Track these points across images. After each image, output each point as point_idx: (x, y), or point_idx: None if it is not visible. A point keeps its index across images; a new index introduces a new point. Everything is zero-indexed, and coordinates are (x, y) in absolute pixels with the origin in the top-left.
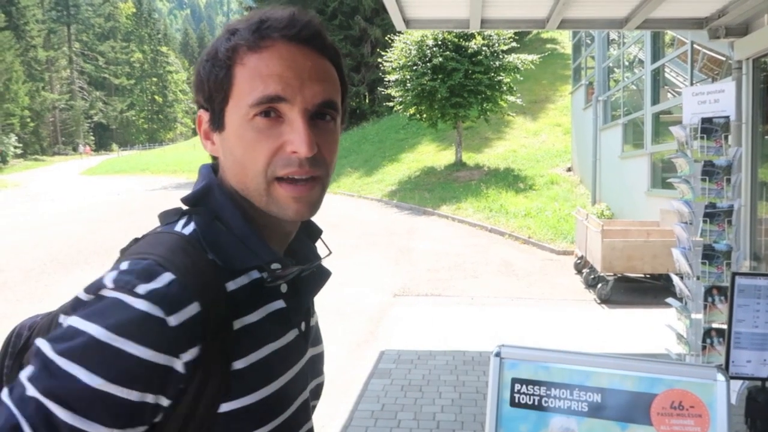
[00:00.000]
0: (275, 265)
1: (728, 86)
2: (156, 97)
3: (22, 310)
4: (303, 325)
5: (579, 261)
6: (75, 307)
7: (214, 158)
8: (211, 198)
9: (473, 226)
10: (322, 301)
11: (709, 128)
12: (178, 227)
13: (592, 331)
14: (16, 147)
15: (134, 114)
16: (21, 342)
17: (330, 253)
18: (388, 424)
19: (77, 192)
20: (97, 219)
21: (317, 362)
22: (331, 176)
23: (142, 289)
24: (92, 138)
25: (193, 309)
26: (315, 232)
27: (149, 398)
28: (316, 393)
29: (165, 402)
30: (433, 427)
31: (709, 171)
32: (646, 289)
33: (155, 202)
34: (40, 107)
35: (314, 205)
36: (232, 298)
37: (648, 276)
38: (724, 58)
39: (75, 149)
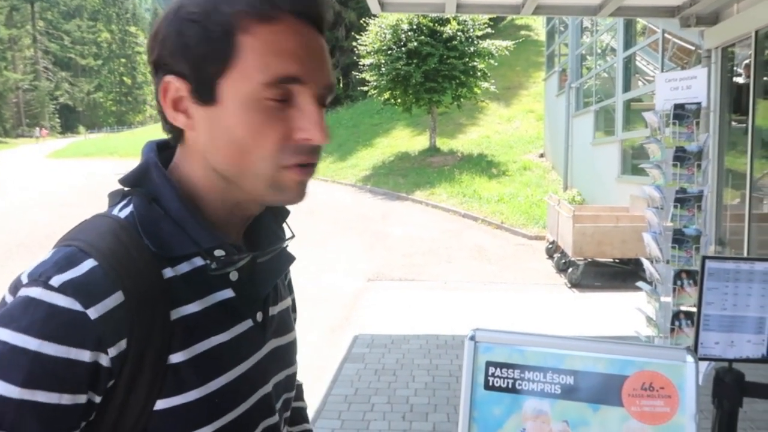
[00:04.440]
0: (218, 252)
1: (700, 73)
2: (124, 78)
3: None
4: (260, 316)
5: (550, 246)
6: None
7: (170, 133)
8: (149, 178)
9: (447, 211)
10: (295, 287)
11: (681, 114)
12: (116, 210)
13: (563, 315)
14: None
15: (102, 96)
16: None
17: (293, 236)
18: (362, 408)
19: (43, 176)
20: (64, 204)
21: (285, 353)
22: None
23: (57, 280)
24: (58, 120)
25: (116, 299)
26: (282, 214)
27: (81, 399)
28: (287, 386)
29: (97, 399)
30: (407, 411)
31: (681, 157)
32: (616, 273)
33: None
34: (2, 87)
35: (307, 188)
36: (168, 285)
37: (617, 261)
38: (693, 48)
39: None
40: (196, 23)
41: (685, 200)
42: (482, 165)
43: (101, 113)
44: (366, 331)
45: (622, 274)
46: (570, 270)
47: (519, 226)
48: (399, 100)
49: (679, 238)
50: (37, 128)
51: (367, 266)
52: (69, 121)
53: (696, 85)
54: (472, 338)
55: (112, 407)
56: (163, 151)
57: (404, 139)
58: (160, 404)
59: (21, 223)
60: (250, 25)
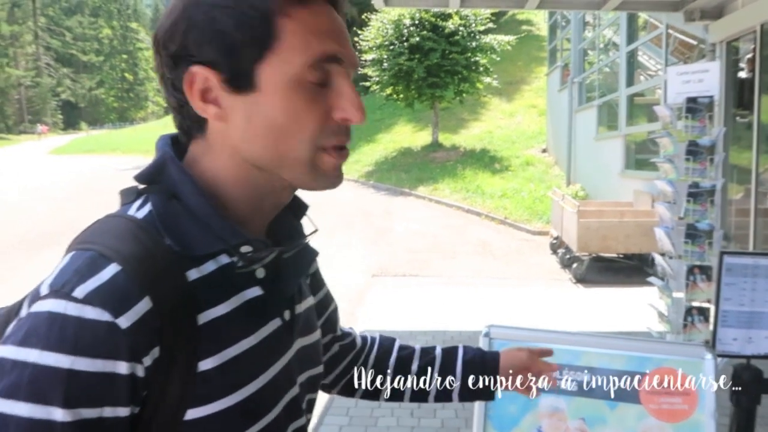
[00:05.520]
0: (245, 248)
1: (713, 66)
2: (126, 74)
3: None
4: (287, 314)
5: (555, 241)
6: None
7: (188, 127)
8: (167, 174)
9: (450, 206)
10: None
11: (694, 108)
12: (132, 210)
13: (570, 310)
14: None
15: (104, 92)
16: None
17: (316, 230)
18: (370, 404)
19: (46, 172)
20: (66, 199)
21: (310, 353)
22: None
23: (81, 291)
24: (60, 116)
25: (144, 305)
26: (300, 208)
27: (124, 411)
28: (312, 386)
29: (136, 411)
30: (415, 407)
31: (694, 150)
32: (620, 268)
33: (126, 183)
34: (4, 84)
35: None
36: (194, 288)
37: (622, 255)
38: (695, 42)
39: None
40: (231, 9)
41: (697, 195)
42: (485, 160)
43: (103, 109)
44: (372, 326)
45: (627, 269)
46: (574, 265)
47: (523, 222)
48: (401, 96)
49: (692, 233)
50: (39, 125)
51: (371, 262)
52: (71, 117)
53: (708, 79)
54: (487, 335)
55: (142, 419)
56: (175, 145)
57: (406, 135)
58: (191, 414)
59: (23, 218)
60: (287, 8)
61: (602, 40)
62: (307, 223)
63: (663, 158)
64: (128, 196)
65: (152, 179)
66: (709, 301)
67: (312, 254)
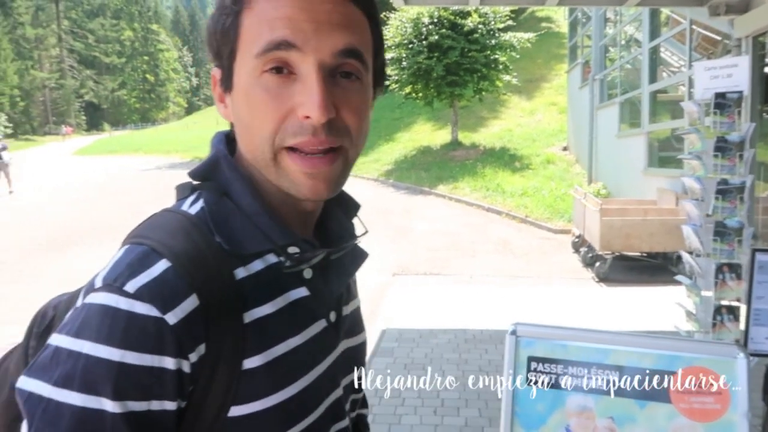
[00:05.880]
0: (292, 249)
1: (742, 60)
2: (147, 75)
3: (18, 290)
4: (333, 315)
5: (576, 239)
6: (71, 314)
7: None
8: (219, 171)
9: (470, 205)
10: None
11: (722, 103)
12: (186, 205)
13: (593, 309)
14: (6, 127)
15: (126, 93)
16: (46, 322)
17: (366, 231)
18: (393, 402)
19: (71, 172)
20: (91, 199)
21: (355, 355)
22: (361, 147)
23: (132, 285)
24: (83, 118)
25: (191, 303)
26: (351, 208)
27: (170, 405)
28: (355, 387)
29: (183, 405)
30: (438, 405)
31: (722, 147)
32: (644, 267)
33: (149, 182)
34: (29, 86)
35: (334, 182)
36: (241, 287)
37: (645, 254)
38: (719, 38)
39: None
40: (217, 10)
41: (726, 191)
42: (505, 158)
43: (125, 110)
44: (393, 325)
45: (651, 268)
46: (597, 264)
47: (543, 220)
48: (420, 94)
49: (721, 231)
50: (63, 126)
51: (392, 260)
52: (94, 118)
53: (737, 74)
54: (513, 333)
55: (188, 414)
56: (230, 143)
57: (426, 134)
58: (235, 411)
59: (50, 218)
60: (252, 0)
61: (624, 37)
62: (358, 224)
63: (690, 155)
64: (183, 191)
65: (206, 176)
66: (738, 300)
67: (361, 256)
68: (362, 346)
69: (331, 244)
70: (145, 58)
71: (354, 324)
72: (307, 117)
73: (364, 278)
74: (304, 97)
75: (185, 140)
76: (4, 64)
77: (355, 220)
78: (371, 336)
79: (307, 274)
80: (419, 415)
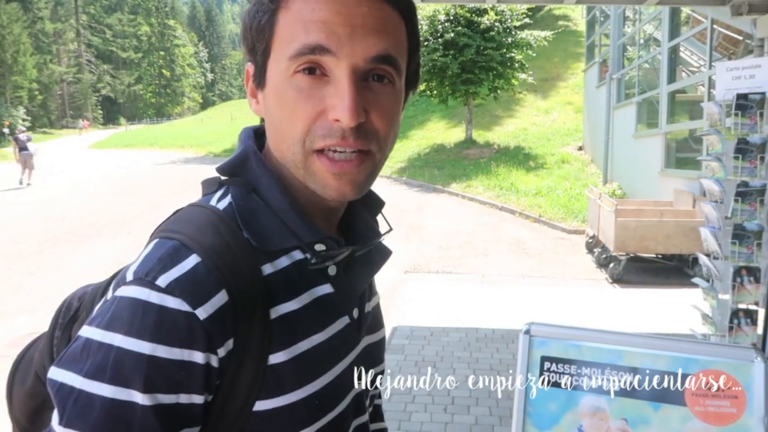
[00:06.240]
0: (319, 246)
1: (765, 61)
2: (163, 71)
3: (37, 281)
4: (356, 312)
5: (591, 240)
6: (100, 307)
7: (263, 120)
8: (248, 167)
9: (483, 204)
10: None
11: (744, 104)
12: (213, 200)
13: (607, 310)
14: (24, 120)
15: (142, 88)
16: (71, 313)
17: (390, 229)
18: (404, 400)
19: (87, 165)
20: (108, 192)
21: (375, 350)
22: (389, 151)
23: (164, 280)
24: (100, 111)
25: (221, 298)
26: (375, 205)
27: (198, 399)
28: (374, 382)
29: (209, 399)
30: (448, 403)
31: (743, 149)
32: (659, 269)
33: (164, 176)
34: (47, 80)
35: (361, 185)
36: (268, 282)
37: (660, 256)
38: (740, 38)
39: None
40: (254, 6)
41: (746, 194)
42: (519, 157)
43: (141, 105)
44: (405, 322)
45: (666, 270)
46: (611, 265)
47: (557, 220)
48: (435, 92)
49: (740, 234)
50: (80, 120)
51: (404, 258)
52: (110, 112)
53: (760, 74)
54: (527, 332)
55: (213, 408)
56: (259, 138)
57: (440, 131)
58: (260, 405)
59: (67, 210)
60: (288, 0)
61: (642, 36)
62: (382, 221)
63: (710, 156)
64: (210, 186)
65: (234, 172)
66: (756, 304)
67: (385, 253)
68: (382, 341)
69: (356, 241)
70: (162, 53)
71: (375, 320)
72: (337, 120)
73: (376, 276)
74: (335, 100)
75: (200, 135)
76: (23, 58)
77: (379, 218)
78: None
79: (332, 271)
80: (429, 412)
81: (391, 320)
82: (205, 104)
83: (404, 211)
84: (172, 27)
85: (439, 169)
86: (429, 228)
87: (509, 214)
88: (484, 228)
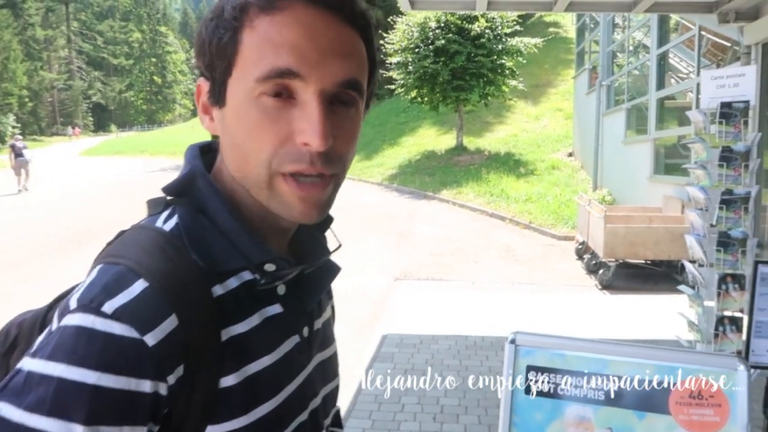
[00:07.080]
0: (269, 266)
1: (749, 70)
2: (155, 77)
3: (31, 290)
4: (306, 331)
5: (580, 246)
6: (42, 340)
7: (215, 136)
8: (195, 187)
9: (474, 210)
10: None
11: (728, 113)
12: (160, 221)
13: (596, 317)
14: (14, 127)
15: (133, 95)
16: (9, 340)
17: (339, 246)
18: (392, 408)
19: (78, 172)
20: (100, 199)
21: (327, 367)
22: (347, 171)
23: (110, 306)
24: (91, 119)
25: (170, 323)
26: (324, 221)
27: (139, 431)
28: (332, 399)
29: (155, 429)
30: (437, 412)
31: (727, 157)
32: (648, 275)
33: (155, 184)
34: (38, 87)
35: (324, 206)
36: (218, 304)
37: (649, 262)
38: (729, 44)
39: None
40: (212, 21)
41: (731, 202)
42: (510, 164)
43: (132, 112)
44: (394, 330)
45: (655, 276)
46: (601, 271)
47: (548, 226)
48: (426, 99)
49: (725, 241)
50: (71, 127)
51: (395, 265)
52: (101, 119)
53: (744, 83)
54: (513, 341)
55: None
56: (205, 155)
57: (430, 138)
58: (211, 430)
59: (61, 218)
60: (254, 18)
61: (632, 43)
62: (330, 237)
63: (695, 164)
64: (156, 206)
65: (181, 192)
66: (741, 311)
67: (334, 270)
68: (334, 357)
69: (305, 259)
70: (153, 60)
71: (325, 337)
72: (306, 144)
73: (365, 283)
74: (304, 124)
75: (190, 142)
76: (14, 65)
77: (328, 233)
78: (372, 341)
79: (281, 290)
80: (418, 421)
81: (380, 328)
82: (196, 111)
83: (395, 218)
84: (164, 34)
85: (430, 175)
86: (419, 235)
87: (499, 220)
88: (474, 234)
